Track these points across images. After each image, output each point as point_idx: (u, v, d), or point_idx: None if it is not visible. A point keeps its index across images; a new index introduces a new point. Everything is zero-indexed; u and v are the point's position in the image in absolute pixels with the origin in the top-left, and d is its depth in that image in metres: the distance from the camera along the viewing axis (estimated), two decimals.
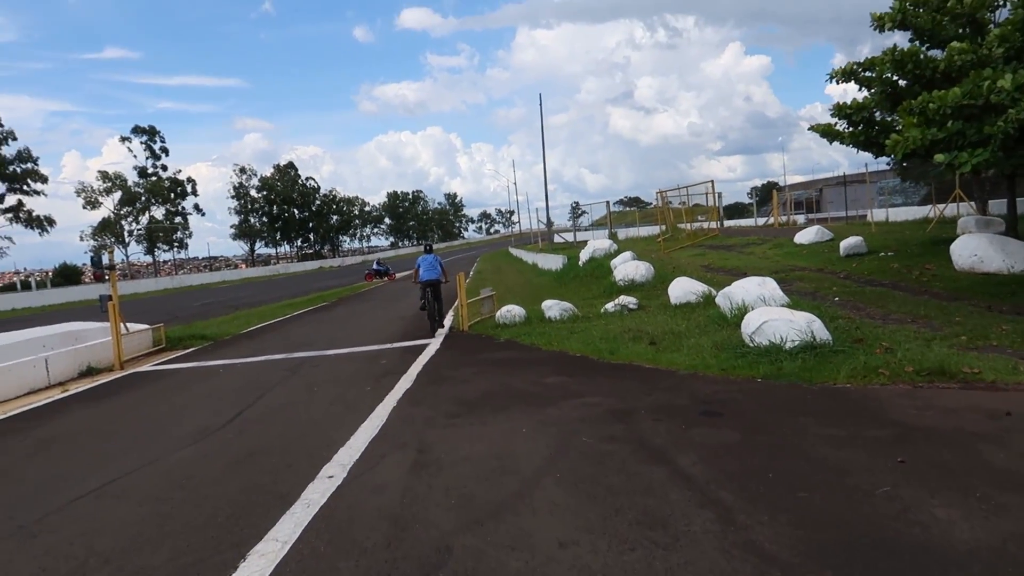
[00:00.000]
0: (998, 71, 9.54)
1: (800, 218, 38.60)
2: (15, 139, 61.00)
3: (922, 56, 12.19)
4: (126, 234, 74.74)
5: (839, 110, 13.88)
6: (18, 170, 61.30)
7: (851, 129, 14.14)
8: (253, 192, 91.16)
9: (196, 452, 6.19)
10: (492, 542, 3.72)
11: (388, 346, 11.75)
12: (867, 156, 14.98)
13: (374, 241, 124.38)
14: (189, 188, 78.61)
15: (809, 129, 15.17)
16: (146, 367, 12.10)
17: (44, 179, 63.30)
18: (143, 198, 74.74)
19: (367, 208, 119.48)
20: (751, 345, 7.91)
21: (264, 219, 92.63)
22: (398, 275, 36.59)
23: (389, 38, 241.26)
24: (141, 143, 75.03)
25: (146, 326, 14.49)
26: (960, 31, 12.95)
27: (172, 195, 76.83)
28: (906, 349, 7.24)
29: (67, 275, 64.69)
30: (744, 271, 15.22)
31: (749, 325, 8.11)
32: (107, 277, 13.31)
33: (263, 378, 9.71)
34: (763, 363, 7.29)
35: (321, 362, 10.77)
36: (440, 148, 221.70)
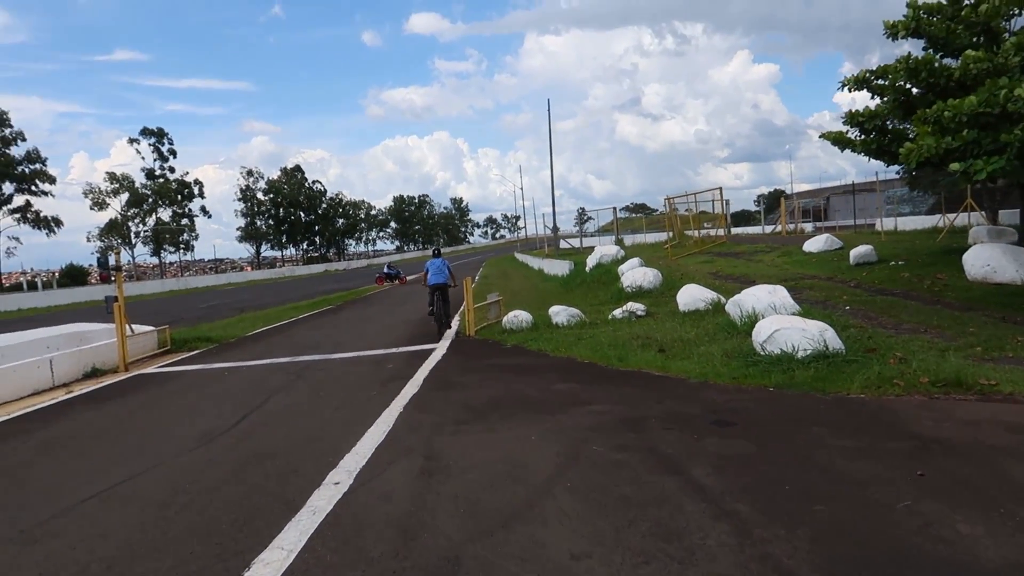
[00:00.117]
0: (1015, 79, 9.45)
1: (808, 226, 38.51)
2: (24, 140, 61.37)
3: (936, 64, 12.08)
4: (133, 235, 75.02)
5: (851, 117, 13.78)
6: (27, 170, 61.63)
7: (863, 137, 14.04)
8: (260, 195, 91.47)
9: (201, 456, 6.11)
10: (502, 553, 3.63)
11: (394, 350, 11.67)
12: (876, 165, 15.08)
13: (380, 245, 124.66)
14: (196, 190, 78.88)
15: (820, 136, 15.09)
16: (151, 369, 12.05)
17: (52, 180, 63.68)
18: (150, 200, 75.00)
19: (373, 212, 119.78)
20: (762, 353, 7.81)
21: (270, 222, 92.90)
22: (408, 278, 36.57)
23: (397, 43, 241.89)
24: (149, 145, 75.40)
25: (151, 328, 14.44)
26: (974, 39, 12.86)
27: (179, 197, 77.07)
28: (921, 359, 7.13)
29: (73, 276, 64.87)
30: (753, 279, 15.12)
31: (760, 333, 8.01)
32: (113, 278, 13.29)
33: (268, 381, 9.64)
34: (775, 372, 7.19)
35: (327, 366, 10.70)
36: (447, 153, 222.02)
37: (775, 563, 3.30)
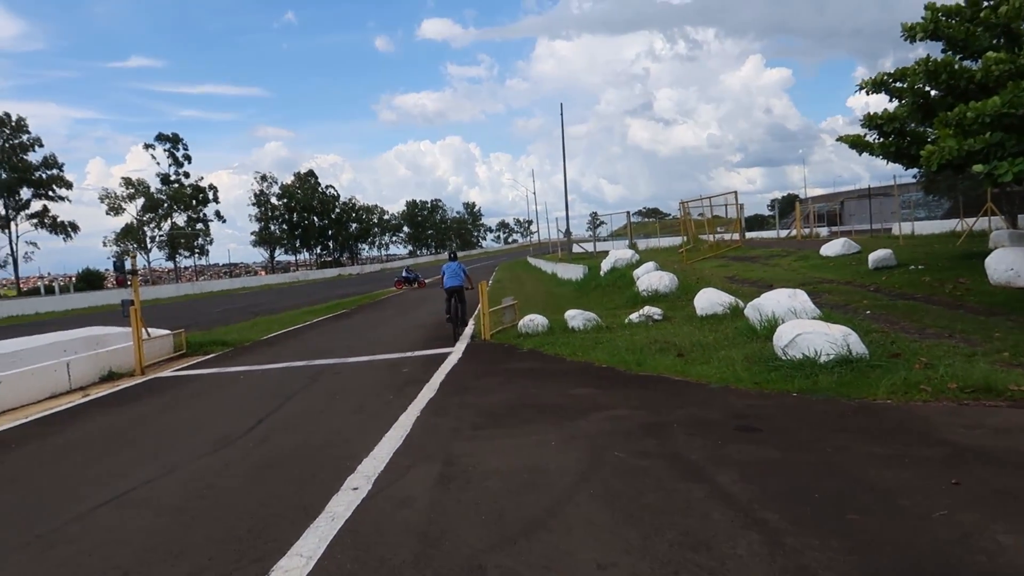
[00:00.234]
0: None
1: (823, 230, 38.17)
2: (41, 146, 62.27)
3: (956, 66, 11.91)
4: (148, 240, 75.72)
5: (869, 120, 13.63)
6: (44, 176, 62.35)
7: (881, 140, 13.88)
8: (273, 200, 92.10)
9: (217, 460, 6.07)
10: (527, 562, 3.54)
11: (409, 354, 11.61)
12: (892, 169, 14.91)
13: (393, 249, 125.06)
14: (210, 195, 79.65)
15: (837, 139, 14.97)
16: (167, 372, 12.06)
17: (69, 185, 64.63)
18: (165, 205, 75.74)
19: (386, 216, 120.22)
20: (784, 358, 7.67)
21: (284, 226, 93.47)
22: (427, 281, 36.64)
23: (410, 48, 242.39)
24: (164, 150, 76.31)
25: (167, 331, 14.48)
26: (994, 41, 12.69)
27: (194, 202, 77.78)
28: (947, 365, 6.96)
29: (90, 280, 65.51)
30: (770, 283, 14.96)
31: (782, 338, 7.87)
32: (129, 282, 13.31)
33: (284, 385, 9.60)
34: (798, 377, 7.06)
35: (342, 370, 10.65)
36: (459, 158, 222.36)
37: (811, 574, 3.19)
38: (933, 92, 12.89)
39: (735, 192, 29.09)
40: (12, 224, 61.38)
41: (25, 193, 62.10)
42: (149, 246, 75.78)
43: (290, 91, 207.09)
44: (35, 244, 63.87)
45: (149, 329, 13.46)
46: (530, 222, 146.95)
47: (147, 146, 75.78)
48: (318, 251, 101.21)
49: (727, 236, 30.14)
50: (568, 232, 43.51)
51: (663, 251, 32.09)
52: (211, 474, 5.65)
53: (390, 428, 6.55)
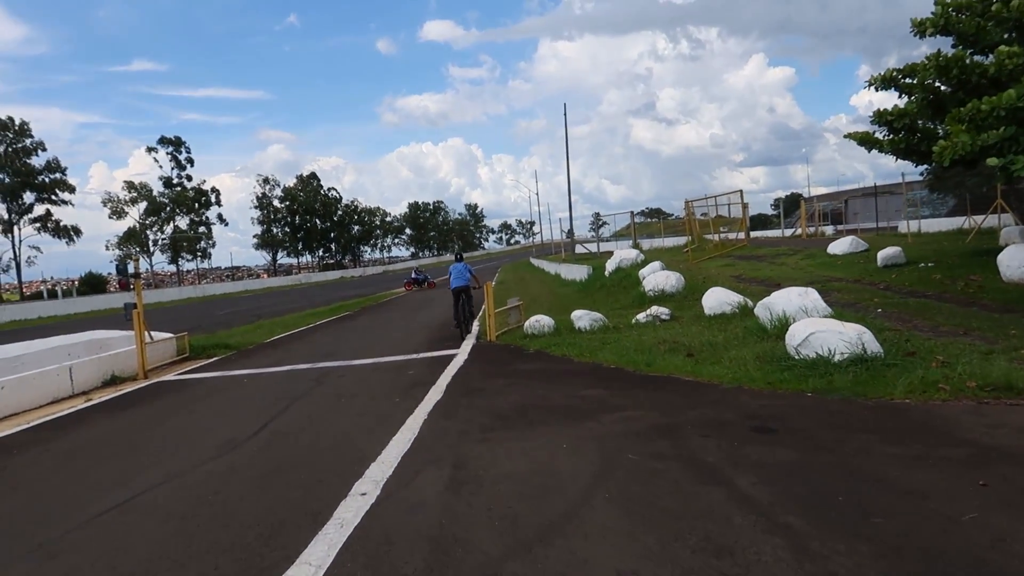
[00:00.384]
0: None
1: (828, 229, 38.00)
2: (44, 150, 62.31)
3: (968, 61, 11.76)
4: (151, 243, 75.72)
5: (879, 116, 13.47)
6: (47, 180, 62.44)
7: (891, 136, 13.72)
8: (276, 202, 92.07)
9: (222, 465, 5.95)
10: (543, 569, 3.41)
11: (415, 356, 11.50)
12: (899, 167, 14.73)
13: (395, 252, 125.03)
14: (213, 198, 79.62)
15: (845, 136, 14.79)
16: (170, 376, 11.95)
17: (71, 189, 64.65)
18: (168, 208, 75.75)
19: (388, 218, 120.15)
20: (797, 357, 7.55)
21: (286, 229, 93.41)
22: (436, 281, 36.61)
23: (412, 50, 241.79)
24: (167, 154, 76.32)
25: (170, 335, 14.39)
26: (1006, 36, 12.53)
27: (196, 205, 77.77)
28: (965, 363, 6.82)
29: (93, 284, 65.55)
30: (778, 282, 14.81)
31: (794, 337, 7.74)
32: (132, 286, 13.25)
33: (289, 388, 9.49)
34: (812, 377, 6.93)
35: (348, 372, 10.54)
36: (461, 159, 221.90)
37: None
38: (943, 88, 12.74)
39: (740, 191, 28.90)
40: (15, 228, 61.45)
41: (28, 197, 62.18)
42: (152, 249, 75.80)
43: (292, 94, 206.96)
44: (38, 248, 64.02)
45: (152, 332, 13.37)
46: (532, 223, 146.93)
47: (150, 149, 75.84)
48: (320, 253, 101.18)
49: (732, 235, 29.97)
50: (571, 232, 43.40)
51: (667, 251, 31.94)
52: (216, 480, 5.53)
53: (398, 431, 6.44)
